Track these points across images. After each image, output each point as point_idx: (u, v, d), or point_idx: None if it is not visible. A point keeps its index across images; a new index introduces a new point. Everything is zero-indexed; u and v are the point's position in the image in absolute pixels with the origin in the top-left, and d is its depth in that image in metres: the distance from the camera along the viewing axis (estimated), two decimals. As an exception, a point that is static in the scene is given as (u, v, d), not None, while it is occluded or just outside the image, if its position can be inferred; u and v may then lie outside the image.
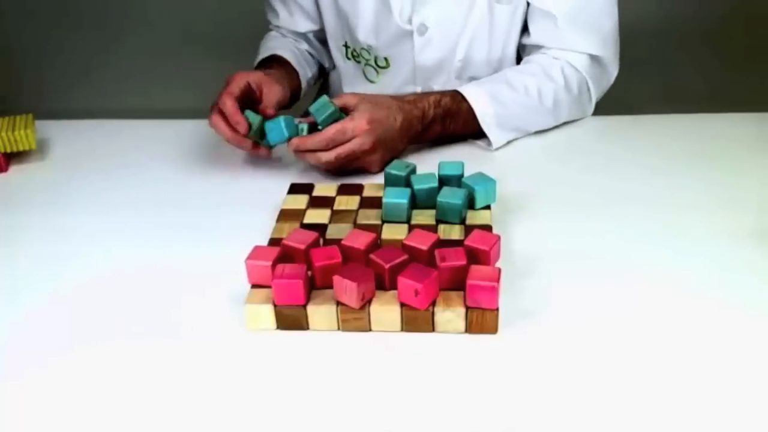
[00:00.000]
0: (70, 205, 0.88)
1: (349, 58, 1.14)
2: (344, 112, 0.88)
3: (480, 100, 0.95)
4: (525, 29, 1.05)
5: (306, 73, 1.14)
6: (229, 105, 0.87)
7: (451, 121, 0.95)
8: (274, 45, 1.14)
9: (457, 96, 0.96)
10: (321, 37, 1.18)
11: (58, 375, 0.62)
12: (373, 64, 1.11)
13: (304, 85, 1.13)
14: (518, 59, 1.09)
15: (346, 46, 1.13)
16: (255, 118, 0.87)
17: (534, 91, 0.98)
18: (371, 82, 1.13)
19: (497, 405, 0.57)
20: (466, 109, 0.95)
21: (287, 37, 1.18)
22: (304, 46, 1.18)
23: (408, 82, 1.11)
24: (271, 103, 0.93)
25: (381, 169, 0.88)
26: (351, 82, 1.17)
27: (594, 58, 1.03)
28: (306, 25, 1.16)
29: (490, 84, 0.99)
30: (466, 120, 0.96)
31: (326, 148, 0.85)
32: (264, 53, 1.12)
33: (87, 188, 0.91)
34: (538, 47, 1.04)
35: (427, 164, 0.82)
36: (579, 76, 1.02)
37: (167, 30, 1.94)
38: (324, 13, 1.13)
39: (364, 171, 0.89)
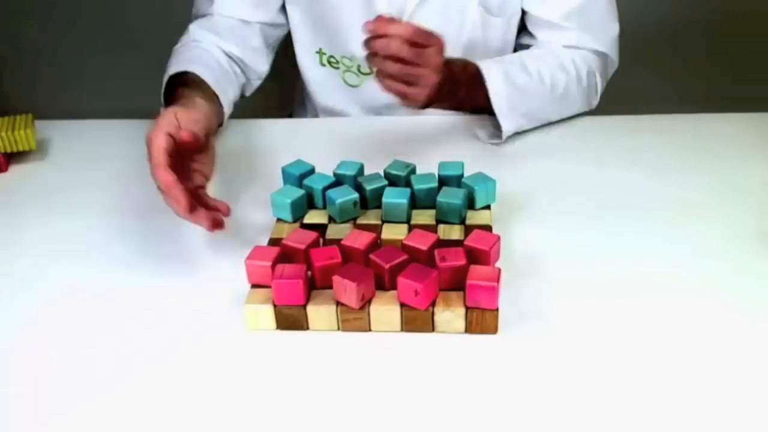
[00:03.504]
0: (70, 205, 0.88)
1: (323, 65, 1.09)
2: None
3: (494, 79, 0.94)
4: (523, 31, 1.05)
5: (227, 94, 0.95)
6: (176, 191, 0.69)
7: (474, 89, 0.94)
8: (189, 57, 0.96)
9: (470, 68, 0.94)
10: (269, 33, 1.07)
11: (56, 374, 0.62)
12: (355, 70, 1.08)
13: (226, 108, 0.95)
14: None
15: (321, 53, 1.08)
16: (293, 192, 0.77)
17: (547, 78, 0.98)
18: (352, 86, 1.10)
19: (497, 405, 0.57)
20: (477, 87, 0.94)
21: (208, 39, 1.02)
22: (233, 49, 1.02)
23: None
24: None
25: (421, 105, 0.85)
26: (325, 87, 1.11)
27: (600, 54, 1.04)
28: (257, 15, 1.03)
29: (507, 64, 0.97)
30: (486, 93, 0.94)
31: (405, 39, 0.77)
32: (176, 66, 0.93)
33: (87, 188, 0.91)
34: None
35: (427, 164, 0.82)
36: (588, 68, 1.02)
37: (168, 30, 1.94)
38: (293, 20, 1.06)
39: (404, 98, 0.83)
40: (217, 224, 0.71)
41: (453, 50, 1.03)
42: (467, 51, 1.04)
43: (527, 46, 1.07)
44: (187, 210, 0.69)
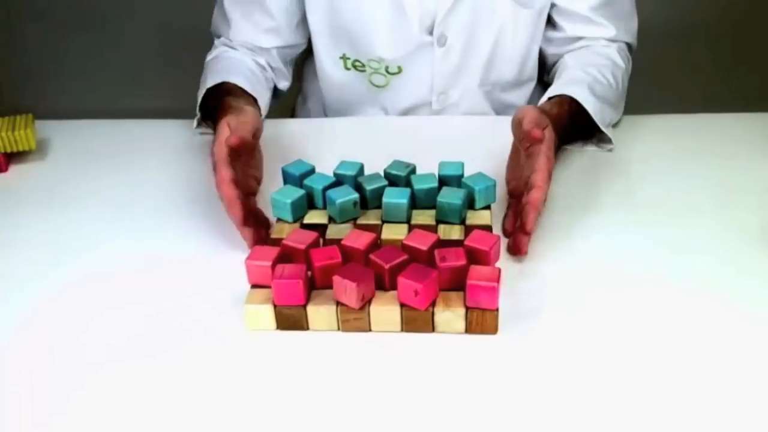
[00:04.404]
0: (70, 205, 0.88)
1: (348, 69, 1.09)
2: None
3: (590, 103, 0.90)
4: (547, 24, 1.06)
5: (263, 99, 0.97)
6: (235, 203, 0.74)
7: (565, 134, 0.89)
8: (224, 67, 0.99)
9: (563, 105, 0.89)
10: (287, 53, 1.09)
11: (55, 373, 0.62)
12: (383, 72, 1.07)
13: (263, 111, 0.97)
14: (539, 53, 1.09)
15: (345, 58, 1.08)
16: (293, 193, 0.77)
17: (612, 79, 0.97)
18: (378, 86, 1.09)
19: (497, 405, 0.57)
20: (575, 119, 0.90)
21: (237, 51, 1.05)
22: (261, 59, 1.05)
23: (425, 89, 1.08)
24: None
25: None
26: (349, 90, 1.11)
27: (630, 46, 1.06)
28: (271, 41, 1.05)
29: (590, 82, 0.93)
30: (573, 128, 0.91)
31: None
32: (212, 78, 0.96)
33: (87, 188, 0.91)
34: (575, 39, 1.04)
35: (427, 164, 0.82)
36: (629, 60, 1.04)
37: (168, 30, 1.94)
38: (314, 29, 1.06)
39: None
40: (259, 242, 0.75)
41: (482, 45, 1.04)
42: (496, 45, 1.04)
43: (553, 39, 1.06)
44: (240, 224, 0.74)
